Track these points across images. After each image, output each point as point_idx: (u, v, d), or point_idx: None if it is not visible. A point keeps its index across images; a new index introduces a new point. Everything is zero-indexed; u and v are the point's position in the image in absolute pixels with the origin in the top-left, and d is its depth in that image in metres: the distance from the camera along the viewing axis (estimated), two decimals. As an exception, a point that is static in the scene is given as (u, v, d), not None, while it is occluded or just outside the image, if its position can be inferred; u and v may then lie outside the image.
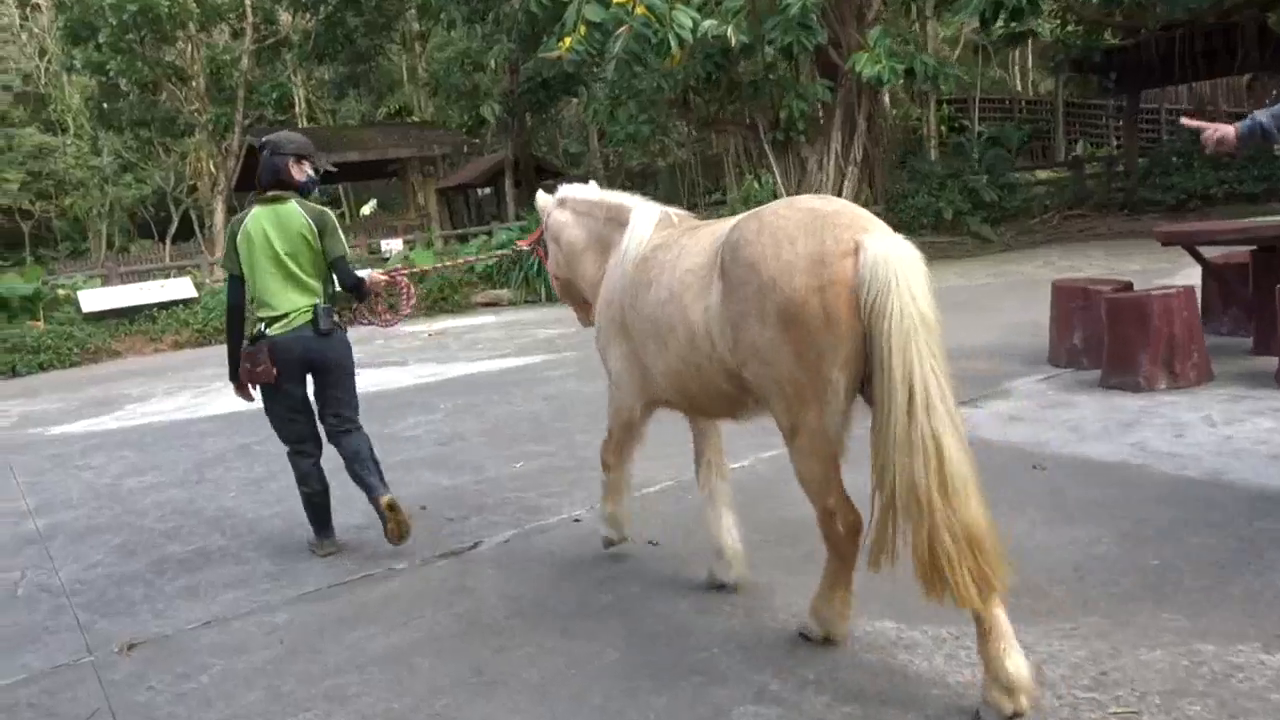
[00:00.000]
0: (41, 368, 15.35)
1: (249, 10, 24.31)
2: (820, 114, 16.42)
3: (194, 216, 38.25)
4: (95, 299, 16.77)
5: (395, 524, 4.26)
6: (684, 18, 13.42)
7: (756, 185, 16.98)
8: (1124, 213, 18.34)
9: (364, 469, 4.35)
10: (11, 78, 35.90)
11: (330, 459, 4.49)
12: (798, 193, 16.45)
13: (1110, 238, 16.75)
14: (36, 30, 37.48)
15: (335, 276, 4.32)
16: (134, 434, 8.68)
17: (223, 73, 24.56)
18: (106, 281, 18.57)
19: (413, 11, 28.47)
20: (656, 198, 3.80)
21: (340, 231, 4.32)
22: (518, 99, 24.42)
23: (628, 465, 3.78)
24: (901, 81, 14.33)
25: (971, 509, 2.46)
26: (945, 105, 27.40)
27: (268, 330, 4.24)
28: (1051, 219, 18.39)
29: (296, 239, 4.22)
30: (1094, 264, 13.70)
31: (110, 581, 4.56)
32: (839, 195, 16.27)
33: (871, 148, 16.54)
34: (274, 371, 4.21)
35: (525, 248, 4.42)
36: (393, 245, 20.53)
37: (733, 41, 13.76)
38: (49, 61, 37.45)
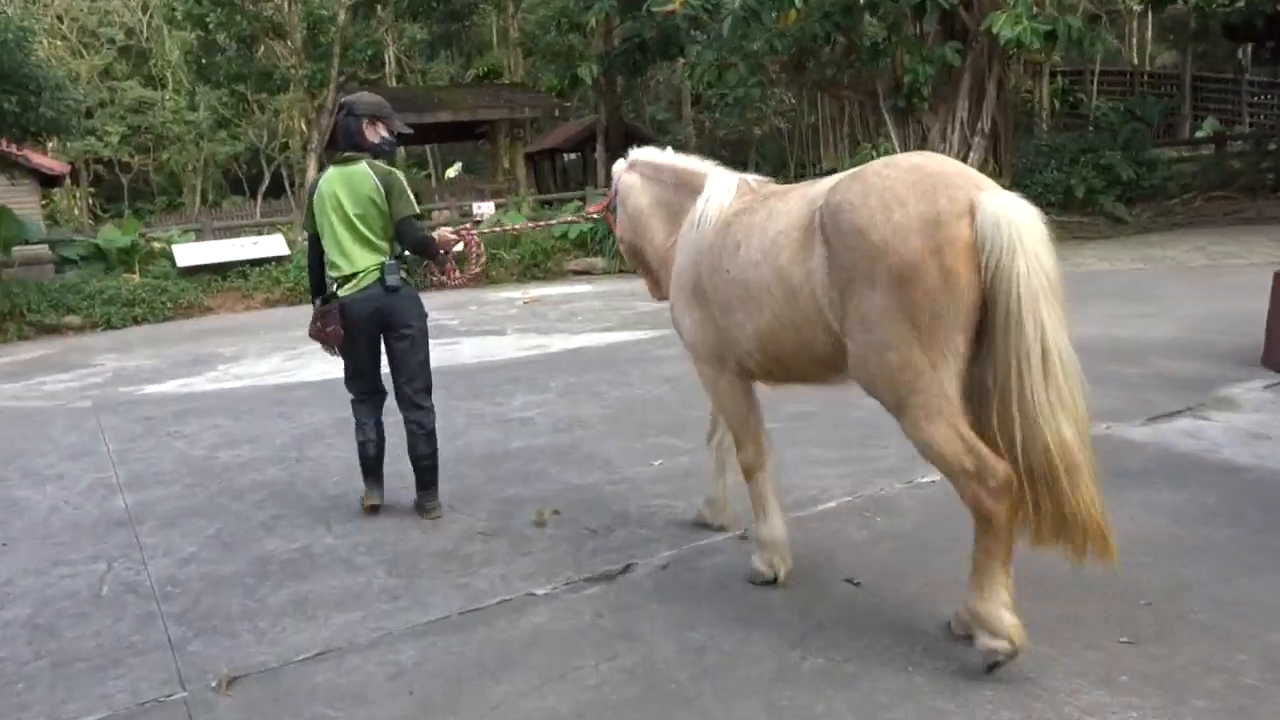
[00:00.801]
0: (135, 321, 15.18)
1: (348, -36, 23.84)
2: (946, 80, 15.23)
3: (285, 174, 38.40)
4: (189, 253, 16.56)
5: (428, 519, 4.49)
6: (809, -30, 12.43)
7: (874, 155, 15.88)
8: (1276, 195, 16.79)
9: (417, 457, 4.51)
10: (115, 30, 36.26)
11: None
12: (918, 164, 15.35)
13: (1261, 222, 15.31)
14: (140, -17, 37.77)
15: (400, 237, 4.30)
16: (228, 399, 8.20)
17: (319, 28, 24.18)
18: (200, 236, 18.40)
19: (509, -31, 27.82)
20: (759, 169, 3.07)
21: (409, 192, 4.28)
22: (614, 61, 23.58)
23: (771, 459, 3.46)
24: (1041, 45, 13.08)
25: (1090, 456, 2.55)
26: (1059, 77, 25.70)
27: (339, 290, 4.30)
28: (1192, 200, 16.93)
29: (365, 201, 4.22)
30: (1256, 251, 12.41)
31: (206, 584, 3.97)
32: (964, 168, 15.19)
33: (1000, 117, 15.31)
34: (342, 332, 4.30)
35: (596, 214, 4.33)
36: (484, 208, 19.97)
37: (861, -3, 12.71)
38: (151, 16, 37.79)
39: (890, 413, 2.74)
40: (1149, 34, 33.38)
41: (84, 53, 35.95)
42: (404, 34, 32.13)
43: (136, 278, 15.91)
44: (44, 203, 26.46)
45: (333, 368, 7.18)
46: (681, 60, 25.10)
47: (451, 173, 43.06)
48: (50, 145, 30.34)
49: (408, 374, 4.42)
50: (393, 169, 4.35)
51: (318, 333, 4.39)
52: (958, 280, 2.51)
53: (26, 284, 15.14)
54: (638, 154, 3.96)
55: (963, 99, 15.02)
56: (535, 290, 15.25)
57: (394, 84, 35.89)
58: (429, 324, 4.53)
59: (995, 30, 13.11)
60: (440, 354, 9.89)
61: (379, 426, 4.60)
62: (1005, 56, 15.22)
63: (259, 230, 18.86)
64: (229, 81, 26.16)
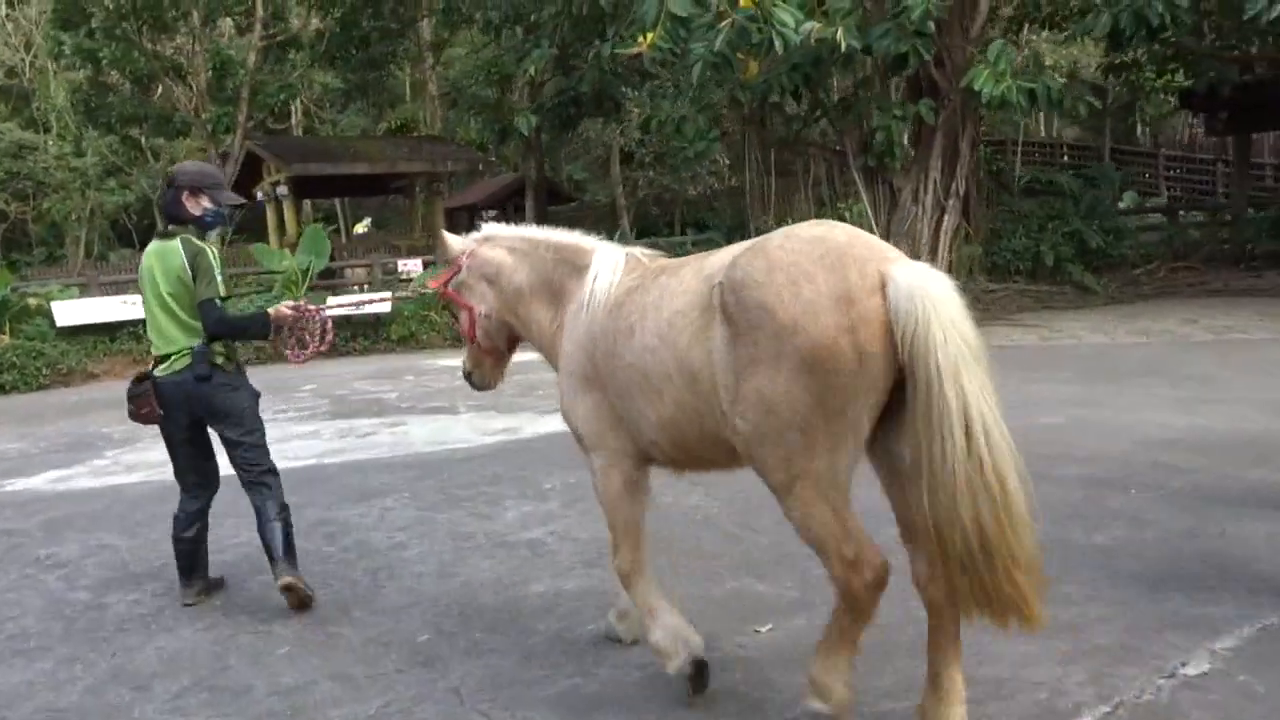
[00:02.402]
0: (3, 390, 13.00)
1: (259, 4, 22.18)
2: (917, 139, 14.44)
3: (180, 226, 35.83)
4: (71, 311, 14.44)
5: (295, 602, 4.14)
6: (786, 15, 11.42)
7: (845, 216, 14.92)
8: (1239, 267, 16.46)
9: (267, 532, 4.21)
10: (-9, 69, 33.52)
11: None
12: (889, 228, 14.47)
13: (1230, 294, 14.86)
14: (23, 21, 35.20)
15: (201, 321, 4.06)
16: (119, 500, 6.41)
17: (227, 70, 22.35)
18: (85, 291, 16.24)
19: (427, 20, 26.54)
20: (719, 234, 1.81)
21: (215, 273, 4.07)
22: (546, 115, 22.42)
23: (648, 563, 3.25)
24: (1025, 105, 12.35)
25: (1031, 540, 2.40)
26: (982, 146, 25.64)
27: (155, 371, 4.14)
28: (1156, 270, 16.48)
29: (175, 279, 4.06)
30: (1252, 325, 11.75)
31: None
32: (937, 232, 14.36)
33: (972, 180, 14.57)
34: (160, 413, 4.12)
35: (435, 288, 3.97)
36: (411, 266, 18.34)
37: (843, 46, 11.76)
38: (34, 55, 35.18)
39: (771, 490, 2.65)
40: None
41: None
42: (315, 82, 30.46)
43: (6, 338, 13.71)
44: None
45: None
46: (616, 115, 24.21)
47: (361, 228, 41.07)
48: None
49: (242, 463, 4.27)
50: (204, 247, 4.10)
51: (133, 414, 4.20)
52: (872, 360, 2.43)
53: None
54: (497, 229, 3.76)
55: (935, 159, 14.22)
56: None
57: (299, 133, 34.10)
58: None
59: (977, 87, 12.33)
60: (388, 438, 8.38)
61: (198, 522, 4.35)
62: (978, 116, 14.55)
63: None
64: (121, 124, 24.05)
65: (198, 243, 4.13)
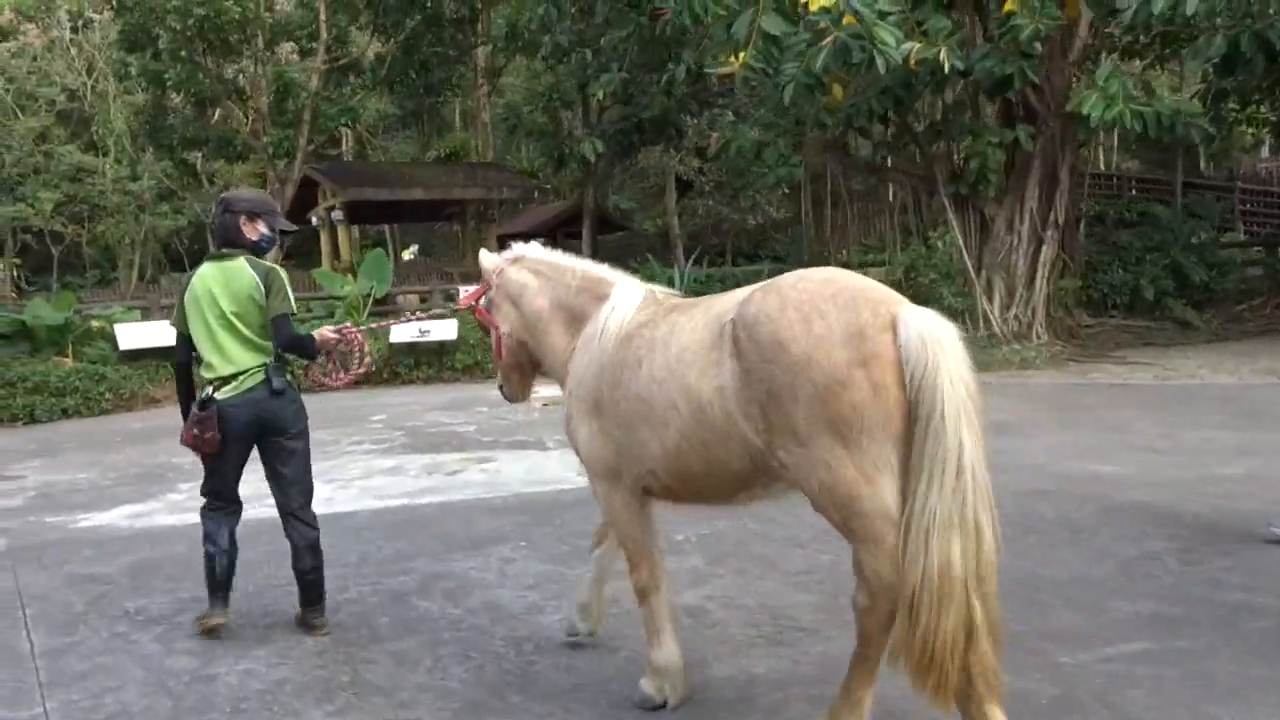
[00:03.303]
0: (65, 414, 12.62)
1: (322, 28, 22.05)
2: (1010, 166, 13.75)
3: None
4: (134, 334, 14.07)
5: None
6: (887, 35, 10.85)
7: (924, 248, 14.26)
8: (1353, 304, 15.55)
9: (306, 583, 4.22)
10: (54, 91, 33.80)
11: None
12: (982, 259, 13.76)
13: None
14: (87, 46, 35.59)
15: (274, 335, 4.08)
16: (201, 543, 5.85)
17: (289, 92, 22.20)
18: (146, 315, 15.92)
19: (483, 47, 26.36)
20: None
21: (288, 290, 4.12)
22: (607, 141, 22.01)
23: (666, 580, 3.32)
24: (1146, 129, 11.64)
25: (995, 601, 2.48)
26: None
27: (216, 394, 4.06)
28: (1263, 306, 15.59)
29: (244, 298, 4.06)
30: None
31: None
32: (1035, 263, 13.61)
33: (1072, 210, 13.83)
34: (219, 439, 4.04)
35: (464, 306, 4.08)
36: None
37: (946, 67, 11.16)
38: (96, 79, 35.54)
39: (844, 535, 2.65)
40: (1114, 140, 33.06)
41: (19, 114, 33.38)
42: (370, 108, 30.39)
43: (70, 361, 13.37)
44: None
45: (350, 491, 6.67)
46: (677, 142, 23.79)
47: (408, 255, 40.94)
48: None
49: (291, 483, 4.24)
50: (273, 266, 4.15)
51: (194, 439, 4.09)
52: (886, 393, 2.48)
53: (-69, 366, 12.53)
54: (526, 250, 3.82)
55: (1033, 187, 13.51)
56: (548, 390, 13.09)
57: (350, 160, 34.02)
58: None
59: (1086, 111, 11.63)
60: (480, 476, 7.77)
61: (233, 540, 4.30)
62: (1077, 143, 13.84)
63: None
64: (183, 146, 23.95)
65: (266, 262, 4.16)
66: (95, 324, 14.61)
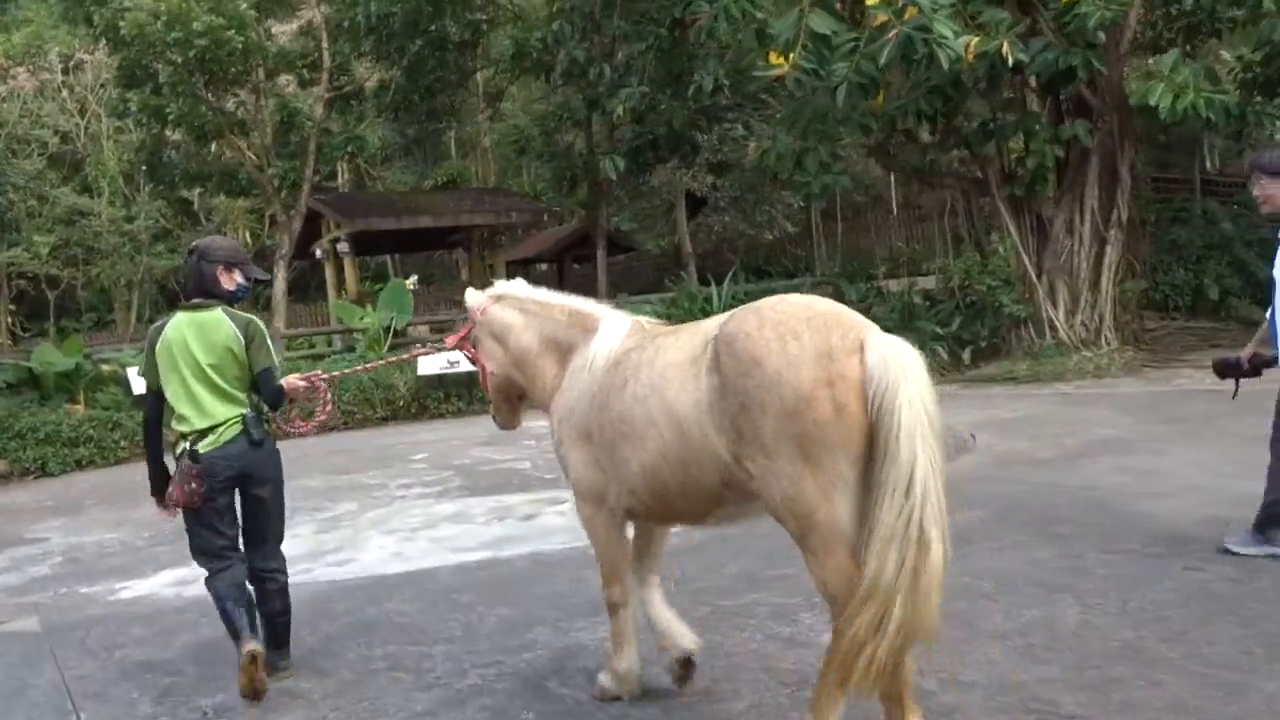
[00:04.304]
0: (79, 465, 11.86)
1: (325, 56, 21.39)
2: (1063, 166, 13.07)
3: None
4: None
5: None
6: (945, 29, 10.22)
7: (978, 255, 13.57)
8: None
9: (276, 625, 4.17)
10: (47, 134, 33.13)
11: None
12: (1039, 264, 13.07)
13: None
14: (78, 88, 34.97)
15: (260, 389, 4.06)
16: (273, 617, 5.07)
17: (294, 123, 21.51)
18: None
19: (482, 72, 25.83)
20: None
21: (269, 342, 4.10)
22: (624, 158, 21.36)
23: (634, 598, 3.51)
24: (1220, 119, 11.00)
25: (933, 607, 2.56)
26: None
27: (195, 447, 3.94)
28: (1329, 305, 14.88)
29: (222, 350, 3.99)
30: None
31: None
32: (1098, 266, 12.93)
33: (1134, 208, 13.16)
34: (204, 493, 3.94)
35: (451, 345, 4.11)
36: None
37: (1009, 60, 10.52)
38: (88, 121, 34.90)
39: (798, 545, 2.78)
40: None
41: (12, 158, 32.66)
42: (372, 138, 29.73)
43: (82, 408, 12.59)
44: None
45: (410, 541, 6.57)
46: (693, 158, 23.20)
47: (410, 284, 40.23)
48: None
49: (266, 531, 4.18)
50: (252, 318, 4.12)
51: (183, 497, 3.91)
52: (847, 413, 2.61)
53: (-65, 420, 11.72)
54: (509, 288, 3.94)
55: (1092, 186, 12.84)
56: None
57: (346, 190, 33.35)
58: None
59: (1154, 102, 10.98)
60: (559, 521, 6.88)
61: (243, 588, 4.07)
62: (1137, 138, 13.18)
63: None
64: (185, 183, 23.24)
65: (243, 314, 4.10)
66: (106, 368, 13.83)
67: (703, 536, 5.79)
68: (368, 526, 7.20)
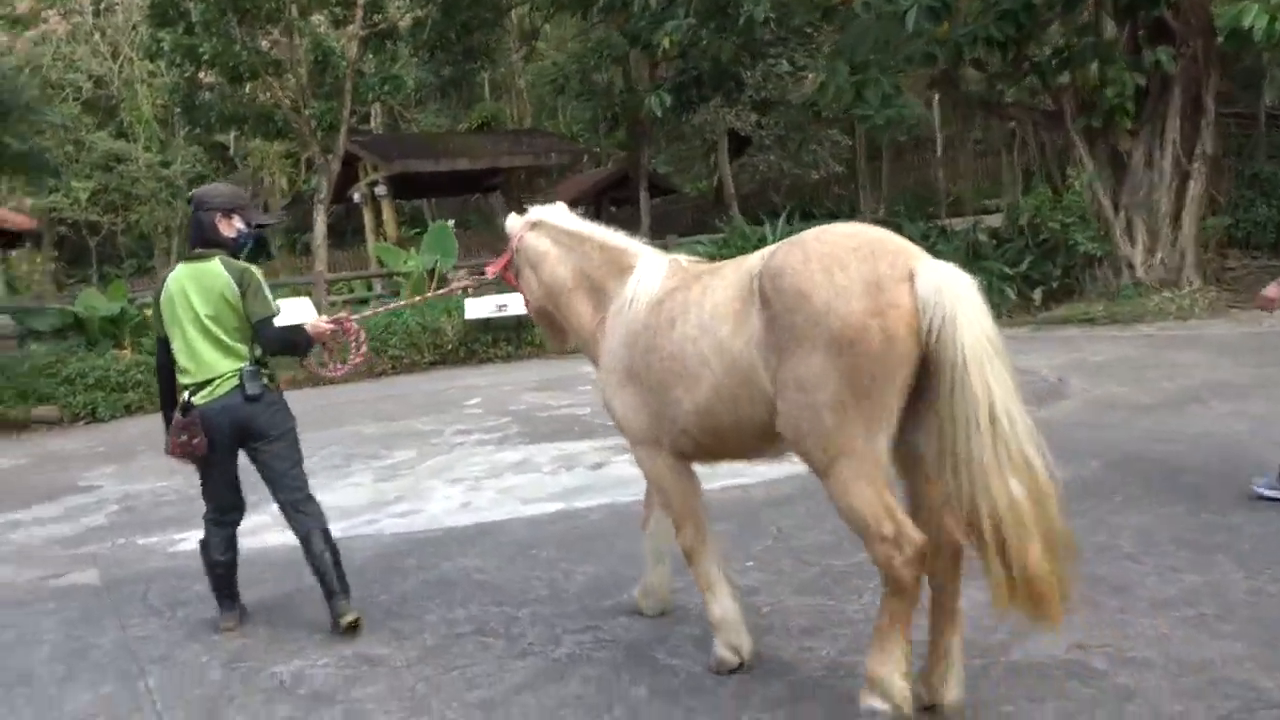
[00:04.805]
0: (128, 410, 11.68)
1: (359, -9, 20.77)
2: (1142, 95, 12.30)
3: (268, 235, 34.99)
4: (193, 323, 13.06)
5: (352, 633, 3.89)
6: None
7: (1049, 191, 12.87)
8: None
9: (319, 562, 3.98)
10: (81, 78, 32.91)
11: None
12: (1116, 200, 12.38)
13: None
14: (109, 30, 34.63)
15: (258, 339, 3.96)
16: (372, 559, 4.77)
17: (328, 62, 20.98)
18: (201, 301, 14.91)
19: (521, 6, 25.09)
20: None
21: (266, 290, 4.00)
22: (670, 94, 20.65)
23: (713, 539, 3.38)
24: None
25: (1061, 521, 2.52)
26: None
27: (193, 399, 3.92)
28: None
29: (218, 300, 3.92)
30: None
31: None
32: (1180, 201, 12.24)
33: (1219, 140, 12.40)
34: (207, 443, 3.90)
35: (491, 274, 4.01)
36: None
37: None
38: (122, 65, 34.61)
39: (816, 473, 2.75)
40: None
41: (47, 107, 32.48)
42: (408, 78, 29.13)
43: (129, 353, 12.39)
44: (2, 265, 22.91)
45: (477, 490, 6.30)
46: (738, 94, 22.46)
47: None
48: (11, 191, 26.77)
49: (283, 485, 4.05)
50: (248, 266, 4.01)
51: (182, 447, 3.92)
52: (898, 344, 2.55)
53: (-17, 366, 11.58)
54: (542, 214, 3.78)
55: (1173, 117, 12.08)
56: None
57: (380, 133, 32.85)
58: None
59: (1248, 24, 10.20)
60: (633, 471, 6.44)
61: (233, 545, 4.16)
62: (1222, 65, 12.36)
63: (276, 294, 15.43)
64: (221, 125, 22.86)
65: (239, 262, 4.01)
66: (150, 313, 13.60)
67: (789, 490, 5.42)
68: (429, 475, 6.89)
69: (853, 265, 2.61)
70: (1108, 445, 5.72)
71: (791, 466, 4.51)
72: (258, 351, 3.99)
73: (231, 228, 4.06)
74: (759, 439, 2.99)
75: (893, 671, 2.67)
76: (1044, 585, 2.46)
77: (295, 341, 4.08)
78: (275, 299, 4.09)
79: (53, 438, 10.74)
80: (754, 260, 2.96)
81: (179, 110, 23.68)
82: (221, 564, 4.10)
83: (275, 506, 4.17)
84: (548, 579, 4.35)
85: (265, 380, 3.99)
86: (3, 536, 6.35)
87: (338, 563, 4.00)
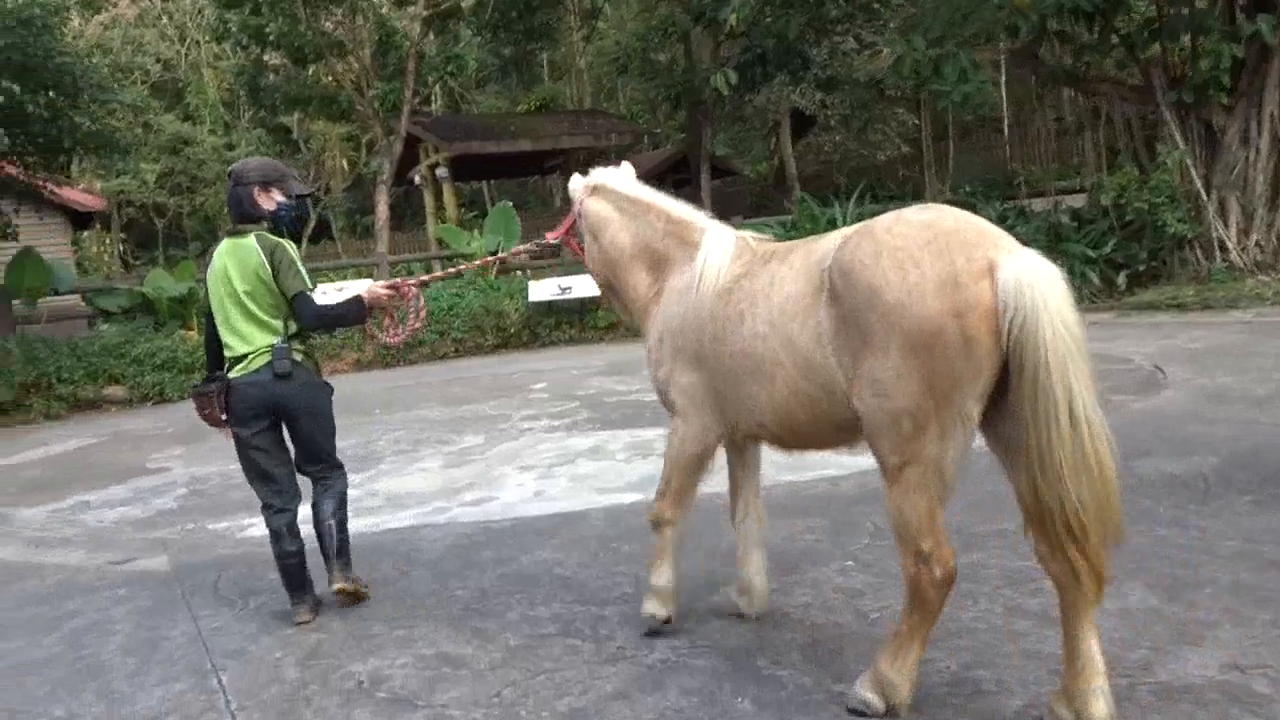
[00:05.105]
0: (195, 392, 11.67)
1: (421, -29, 20.65)
2: (1238, 69, 11.63)
3: (330, 217, 35.31)
4: (259, 304, 13.08)
5: (349, 603, 4.06)
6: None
7: (1135, 170, 12.27)
8: None
9: (320, 527, 4.05)
10: (149, 61, 33.43)
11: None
12: (1209, 179, 11.77)
13: None
14: (177, 14, 35.13)
15: (295, 314, 3.92)
16: (416, 558, 4.59)
17: (392, 42, 20.93)
18: (266, 282, 14.96)
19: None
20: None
21: (299, 265, 3.91)
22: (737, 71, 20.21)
23: (685, 521, 3.43)
24: None
25: (1118, 512, 2.48)
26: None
27: (230, 373, 3.94)
28: None
29: (253, 277, 3.88)
30: None
31: None
32: (1277, 180, 11.59)
33: (1321, 116, 11.70)
34: (221, 417, 3.96)
35: (554, 240, 3.92)
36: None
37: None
38: (188, 48, 35.13)
39: (883, 472, 2.66)
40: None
41: (116, 87, 33.08)
42: (471, 58, 29.03)
43: (195, 334, 12.44)
44: (73, 246, 23.33)
45: (549, 479, 6.13)
46: (803, 73, 21.93)
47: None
48: (82, 173, 27.23)
49: (310, 459, 4.07)
50: (280, 241, 3.93)
51: (202, 419, 4.03)
52: (978, 346, 2.43)
53: (55, 345, 11.69)
54: (605, 178, 3.66)
55: (1273, 90, 11.42)
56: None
57: (439, 113, 32.86)
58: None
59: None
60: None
61: (295, 535, 4.00)
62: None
63: (343, 274, 15.47)
64: (285, 106, 22.95)
65: (272, 237, 3.94)
66: (216, 294, 13.66)
67: (880, 482, 5.12)
68: (500, 462, 6.71)
69: (926, 260, 2.46)
70: (1225, 440, 5.32)
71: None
72: (293, 328, 3.94)
73: (271, 200, 4.00)
74: (841, 432, 2.89)
75: (903, 678, 2.65)
76: (1097, 574, 2.47)
77: (342, 314, 4.05)
78: (343, 280, 4.01)
79: (122, 418, 10.80)
80: (823, 248, 2.81)
81: (244, 92, 23.87)
82: (290, 554, 3.99)
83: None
84: (632, 575, 4.12)
85: (299, 357, 3.93)
86: (74, 518, 6.31)
87: (341, 531, 4.04)
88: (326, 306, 4.01)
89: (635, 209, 3.53)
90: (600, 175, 3.69)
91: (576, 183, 3.75)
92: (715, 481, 3.72)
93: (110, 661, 3.76)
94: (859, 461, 5.06)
